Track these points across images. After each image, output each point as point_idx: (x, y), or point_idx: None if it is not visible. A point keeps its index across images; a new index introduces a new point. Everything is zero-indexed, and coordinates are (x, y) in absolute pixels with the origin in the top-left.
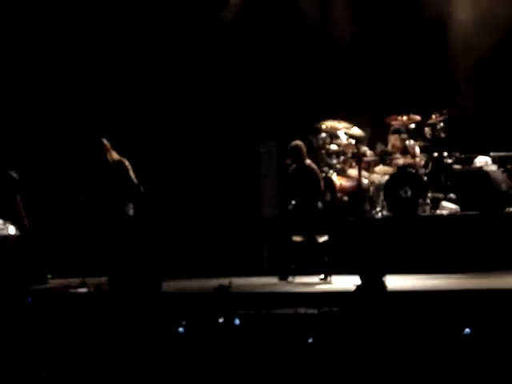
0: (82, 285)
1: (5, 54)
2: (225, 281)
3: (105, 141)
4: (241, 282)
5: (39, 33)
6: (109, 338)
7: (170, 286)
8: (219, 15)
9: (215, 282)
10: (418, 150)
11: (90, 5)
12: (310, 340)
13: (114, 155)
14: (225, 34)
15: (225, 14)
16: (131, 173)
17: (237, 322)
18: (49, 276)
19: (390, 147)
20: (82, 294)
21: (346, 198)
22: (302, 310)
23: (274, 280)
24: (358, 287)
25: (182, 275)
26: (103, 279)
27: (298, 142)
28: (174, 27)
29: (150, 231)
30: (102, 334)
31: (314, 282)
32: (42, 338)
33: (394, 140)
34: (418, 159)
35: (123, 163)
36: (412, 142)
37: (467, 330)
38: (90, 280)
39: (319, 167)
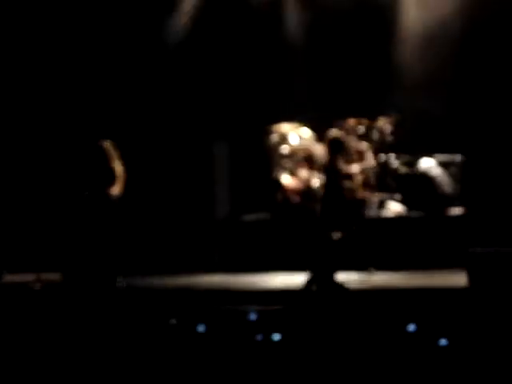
0: (37, 280)
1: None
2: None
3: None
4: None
5: (41, 33)
6: (62, 335)
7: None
8: (171, 20)
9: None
10: (368, 152)
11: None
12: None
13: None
14: (178, 35)
15: (177, 18)
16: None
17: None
18: (4, 271)
19: None
20: (36, 289)
21: (296, 199)
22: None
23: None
24: (308, 285)
25: (138, 272)
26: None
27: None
28: (123, 30)
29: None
30: (55, 330)
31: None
32: None
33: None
34: (367, 162)
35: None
36: (361, 143)
37: (411, 327)
38: (44, 276)
39: (271, 169)
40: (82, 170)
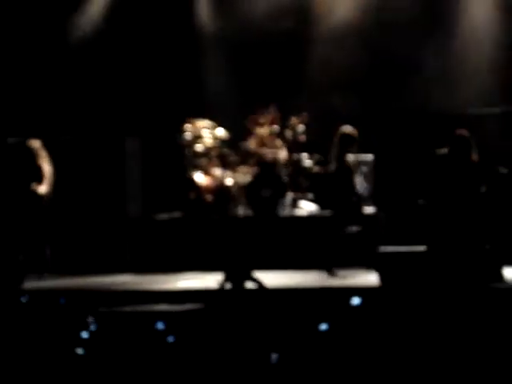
0: None
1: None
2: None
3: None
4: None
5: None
6: None
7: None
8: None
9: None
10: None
11: None
12: (172, 339)
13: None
14: (88, 33)
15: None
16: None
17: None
18: None
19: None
20: None
21: (210, 198)
22: (163, 308)
23: (136, 278)
24: (223, 284)
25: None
26: None
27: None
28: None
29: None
30: None
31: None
32: None
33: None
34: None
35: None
36: (276, 141)
37: (324, 327)
38: None
39: (184, 167)
40: (8, 169)
